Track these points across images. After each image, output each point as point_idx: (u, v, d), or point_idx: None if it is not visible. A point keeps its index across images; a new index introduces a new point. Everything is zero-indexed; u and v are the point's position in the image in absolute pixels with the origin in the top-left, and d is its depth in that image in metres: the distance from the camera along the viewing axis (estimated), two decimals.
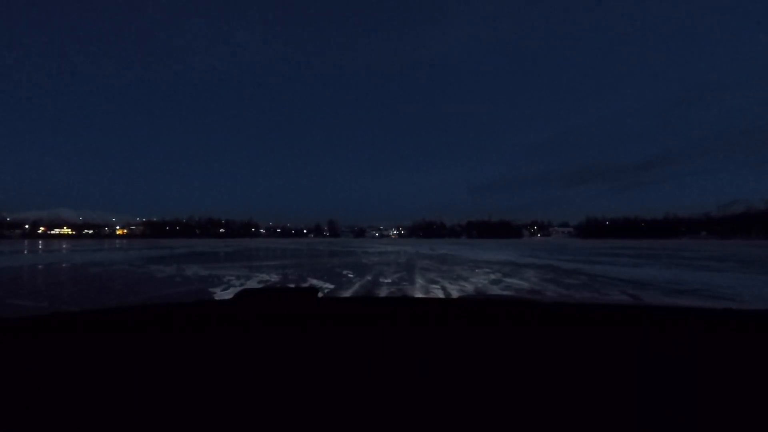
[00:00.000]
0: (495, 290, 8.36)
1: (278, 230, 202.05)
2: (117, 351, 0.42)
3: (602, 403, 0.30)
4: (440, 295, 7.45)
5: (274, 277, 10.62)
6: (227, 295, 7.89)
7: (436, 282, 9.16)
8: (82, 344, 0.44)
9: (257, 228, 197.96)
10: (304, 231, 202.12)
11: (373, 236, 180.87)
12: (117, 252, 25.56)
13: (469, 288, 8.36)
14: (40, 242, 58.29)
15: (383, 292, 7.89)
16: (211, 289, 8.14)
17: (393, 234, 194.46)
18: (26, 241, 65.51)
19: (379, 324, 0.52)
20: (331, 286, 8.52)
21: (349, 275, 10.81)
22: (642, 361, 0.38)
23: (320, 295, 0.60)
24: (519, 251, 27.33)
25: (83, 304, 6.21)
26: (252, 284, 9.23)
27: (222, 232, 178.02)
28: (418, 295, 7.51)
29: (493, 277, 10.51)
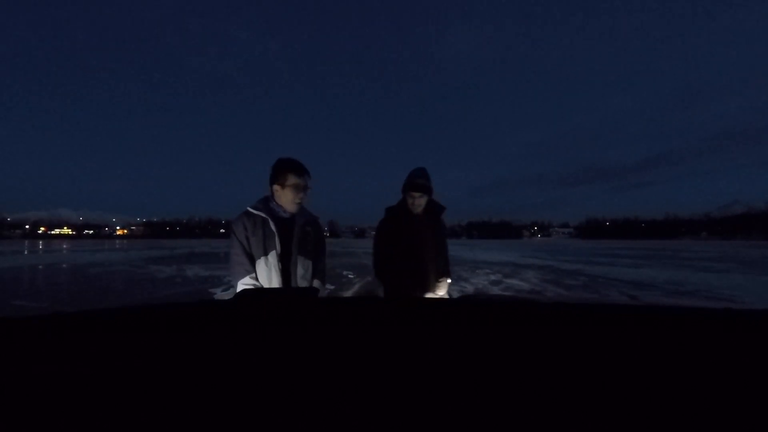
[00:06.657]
0: (495, 291, 8.35)
1: None
2: (117, 352, 0.42)
3: (603, 403, 0.30)
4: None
5: None
6: (227, 295, 7.90)
7: None
8: (82, 344, 0.44)
9: None
10: None
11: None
12: (117, 252, 25.53)
13: (469, 289, 8.35)
14: (41, 243, 58.26)
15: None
16: (211, 290, 8.15)
17: None
18: (26, 242, 65.48)
19: (380, 324, 0.52)
20: (332, 287, 8.51)
21: (350, 276, 10.80)
22: (642, 361, 0.38)
23: (320, 295, 0.60)
24: (519, 252, 27.32)
25: (83, 305, 6.21)
26: None
27: (222, 233, 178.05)
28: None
29: (493, 278, 10.51)
